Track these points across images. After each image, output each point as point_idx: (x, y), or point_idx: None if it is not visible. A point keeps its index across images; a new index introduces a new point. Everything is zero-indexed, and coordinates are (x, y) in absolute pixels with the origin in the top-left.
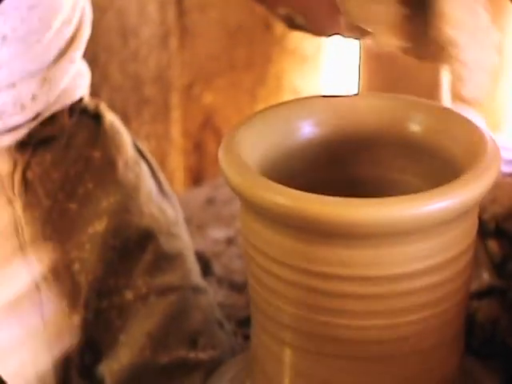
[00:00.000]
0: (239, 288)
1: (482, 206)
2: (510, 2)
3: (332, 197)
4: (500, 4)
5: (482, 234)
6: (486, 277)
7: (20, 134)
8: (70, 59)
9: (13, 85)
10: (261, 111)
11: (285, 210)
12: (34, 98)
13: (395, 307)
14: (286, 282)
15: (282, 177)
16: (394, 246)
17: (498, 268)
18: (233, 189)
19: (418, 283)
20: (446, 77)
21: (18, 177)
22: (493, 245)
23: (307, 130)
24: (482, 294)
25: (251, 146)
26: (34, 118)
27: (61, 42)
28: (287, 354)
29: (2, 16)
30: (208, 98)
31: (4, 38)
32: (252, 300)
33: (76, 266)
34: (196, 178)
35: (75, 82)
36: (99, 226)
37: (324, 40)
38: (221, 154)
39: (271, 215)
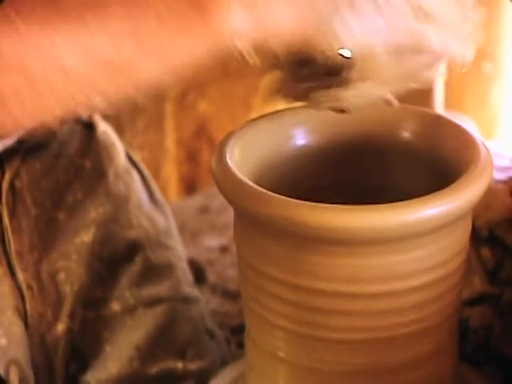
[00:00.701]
0: (233, 296)
1: (475, 213)
2: (509, 2)
3: (323, 204)
4: (496, 7)
5: (475, 241)
6: (478, 283)
7: (9, 141)
8: None
9: None
10: (253, 120)
11: (276, 218)
12: None
13: (388, 308)
14: (280, 285)
15: (276, 185)
16: (384, 251)
17: (490, 274)
18: (226, 198)
19: (411, 285)
20: (439, 84)
21: (6, 185)
22: (486, 251)
23: (300, 137)
24: (475, 301)
25: (244, 155)
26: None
27: None
28: (279, 362)
29: None
30: (202, 107)
31: None
32: (245, 308)
33: (61, 276)
34: (190, 186)
35: None
36: (86, 237)
37: None
38: (214, 163)
39: (264, 224)
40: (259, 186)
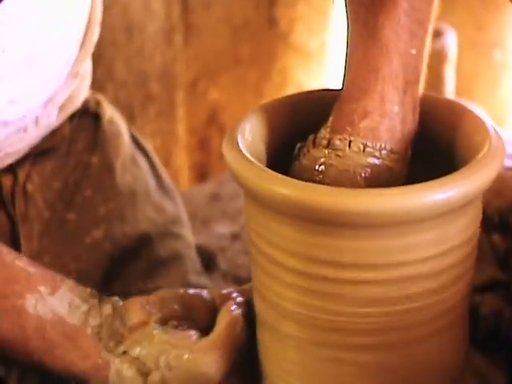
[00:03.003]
0: (244, 282)
1: (486, 200)
2: (509, 2)
3: (332, 187)
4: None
5: (486, 228)
6: (489, 270)
7: (21, 153)
8: (76, 73)
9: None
10: (265, 104)
11: (288, 200)
12: (36, 121)
13: (397, 294)
14: (290, 270)
15: (288, 167)
16: (397, 235)
17: (501, 261)
18: (236, 180)
19: (421, 270)
20: (449, 72)
21: (18, 190)
22: (497, 238)
23: (311, 122)
24: (485, 288)
25: (255, 137)
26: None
27: (68, 64)
28: (290, 345)
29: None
30: (213, 95)
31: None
32: (255, 290)
33: (73, 278)
34: (201, 174)
35: (78, 89)
36: (97, 234)
37: (328, 36)
38: (225, 146)
39: (275, 205)
40: (270, 168)
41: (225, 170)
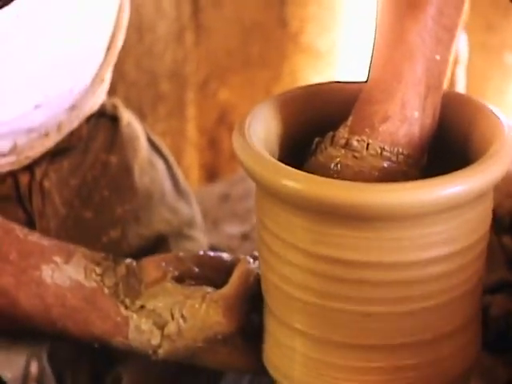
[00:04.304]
0: None
1: (497, 202)
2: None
3: (342, 181)
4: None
5: (497, 229)
6: (500, 271)
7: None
8: (102, 79)
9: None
10: (276, 95)
11: (298, 193)
12: (59, 126)
13: (408, 293)
14: (298, 266)
15: (298, 160)
16: (410, 229)
17: (511, 263)
18: (247, 173)
19: (432, 270)
20: (460, 74)
21: (35, 186)
22: (507, 240)
23: (322, 114)
24: (496, 289)
25: (266, 130)
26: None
27: (94, 69)
28: (297, 341)
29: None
30: (223, 95)
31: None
32: (263, 287)
33: None
34: (211, 174)
35: (98, 93)
36: (114, 234)
37: (338, 36)
38: (235, 138)
39: (284, 198)
40: (281, 160)
41: (235, 170)
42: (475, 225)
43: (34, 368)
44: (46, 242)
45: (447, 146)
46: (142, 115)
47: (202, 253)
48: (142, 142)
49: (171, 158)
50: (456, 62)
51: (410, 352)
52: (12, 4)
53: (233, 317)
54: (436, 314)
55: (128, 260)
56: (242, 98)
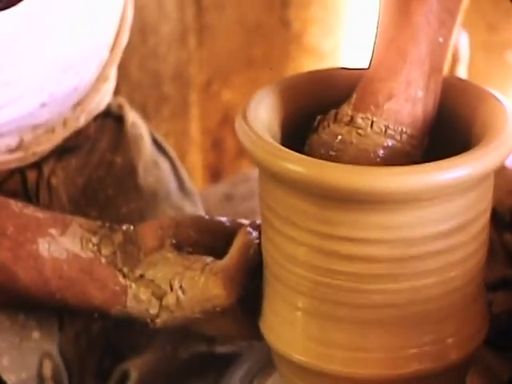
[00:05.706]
0: None
1: (498, 199)
2: (509, 2)
3: (344, 164)
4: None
5: (498, 226)
6: (501, 269)
7: (46, 150)
8: (106, 77)
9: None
10: (277, 82)
11: (300, 177)
12: (65, 122)
13: (409, 271)
14: (302, 244)
15: (302, 144)
16: (409, 210)
17: None
18: (251, 157)
19: (432, 247)
20: (462, 73)
21: (43, 183)
22: (508, 237)
23: (325, 98)
24: (497, 286)
25: (269, 115)
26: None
27: (99, 67)
28: (299, 319)
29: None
30: (226, 95)
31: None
32: (266, 267)
33: None
34: (214, 174)
35: (103, 92)
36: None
37: (341, 37)
38: (238, 123)
39: (287, 181)
40: (284, 144)
41: (238, 170)
42: (476, 203)
43: (47, 367)
44: (41, 214)
45: (450, 131)
46: (145, 116)
47: (200, 217)
48: (147, 142)
49: (176, 159)
50: (457, 62)
51: (411, 331)
52: (19, 4)
53: (232, 290)
54: (437, 292)
55: (124, 226)
56: (245, 98)
